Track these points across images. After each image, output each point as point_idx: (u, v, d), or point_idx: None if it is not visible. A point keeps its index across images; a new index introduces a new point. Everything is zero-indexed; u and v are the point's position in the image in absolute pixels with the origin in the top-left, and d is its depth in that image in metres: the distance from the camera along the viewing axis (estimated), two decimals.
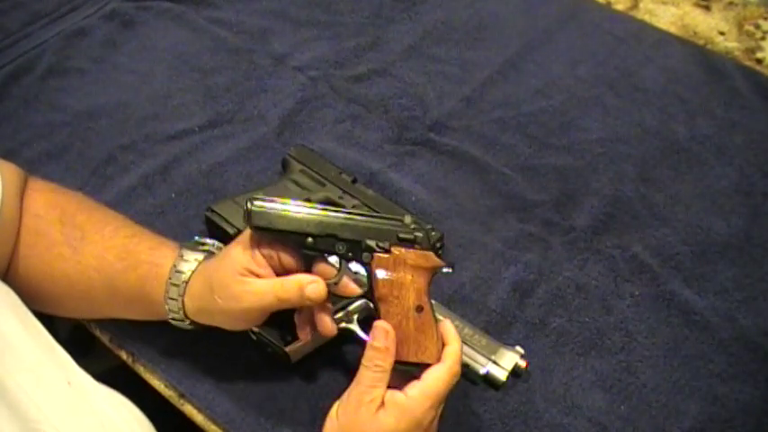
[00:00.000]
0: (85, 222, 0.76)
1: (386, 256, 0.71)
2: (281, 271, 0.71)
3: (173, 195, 0.96)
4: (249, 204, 0.69)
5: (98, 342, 0.84)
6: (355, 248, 0.71)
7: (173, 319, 0.74)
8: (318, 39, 1.19)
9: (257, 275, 0.69)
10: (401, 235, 0.71)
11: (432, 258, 0.71)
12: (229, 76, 1.12)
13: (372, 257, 0.71)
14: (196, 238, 0.80)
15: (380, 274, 0.70)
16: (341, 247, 0.71)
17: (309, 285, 0.69)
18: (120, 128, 1.04)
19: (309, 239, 0.70)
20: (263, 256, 0.70)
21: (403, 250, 0.71)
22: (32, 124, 1.04)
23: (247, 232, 0.71)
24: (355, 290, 0.73)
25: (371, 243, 0.71)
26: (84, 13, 1.21)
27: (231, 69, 1.13)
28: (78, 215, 0.77)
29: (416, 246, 0.71)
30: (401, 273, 0.70)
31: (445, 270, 0.72)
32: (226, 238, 0.81)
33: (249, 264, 0.69)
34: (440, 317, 0.72)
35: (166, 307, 0.73)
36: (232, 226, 0.86)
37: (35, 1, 1.22)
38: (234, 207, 0.87)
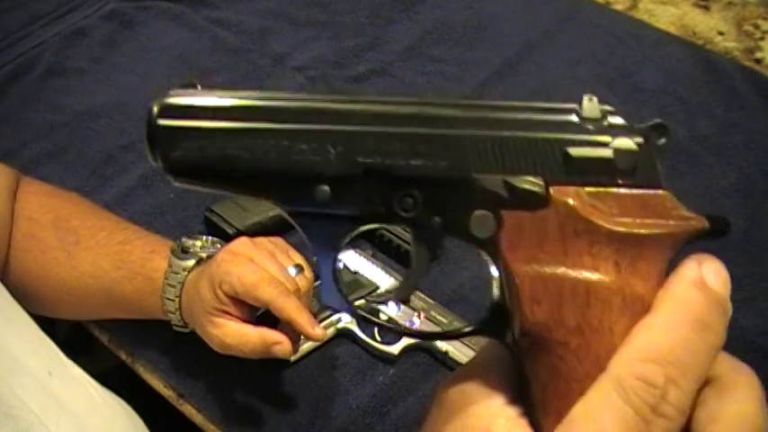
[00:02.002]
0: (80, 227, 0.76)
1: (539, 214, 0.33)
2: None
3: (172, 195, 0.96)
4: (156, 104, 0.36)
5: (97, 342, 0.84)
6: (449, 202, 0.35)
7: (175, 325, 0.74)
8: (317, 39, 1.19)
9: (228, 313, 0.68)
10: (576, 152, 0.34)
11: (676, 209, 0.35)
12: (229, 76, 1.12)
13: (501, 222, 0.34)
14: (183, 239, 0.76)
15: (524, 269, 0.33)
16: (404, 205, 0.35)
17: (275, 347, 0.68)
18: (120, 128, 1.04)
19: (323, 189, 0.35)
20: (225, 293, 0.68)
21: (588, 191, 0.34)
22: (32, 124, 1.04)
23: (218, 258, 0.68)
24: (318, 335, 0.68)
25: (509, 181, 0.34)
26: (83, 13, 1.21)
27: (230, 69, 1.13)
28: (73, 219, 0.77)
29: (623, 177, 0.34)
30: (586, 259, 0.33)
31: (715, 226, 0.35)
32: (225, 239, 0.81)
33: (215, 302, 0.68)
34: None
35: (168, 317, 0.73)
36: (231, 226, 0.86)
37: (34, 1, 1.21)
38: (233, 207, 0.87)
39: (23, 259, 0.75)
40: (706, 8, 1.28)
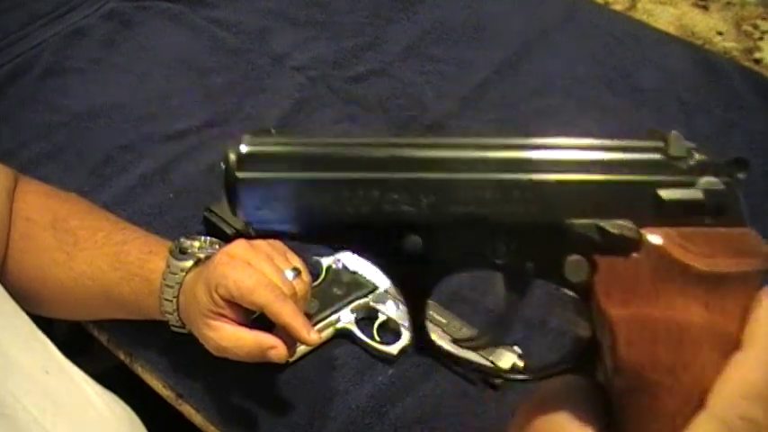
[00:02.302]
0: (78, 227, 0.76)
1: (632, 258, 0.34)
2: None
3: (171, 196, 0.96)
4: (232, 152, 0.34)
5: (96, 342, 0.84)
6: (541, 247, 0.35)
7: (173, 326, 0.74)
8: (316, 39, 1.19)
9: (224, 316, 0.68)
10: (667, 194, 0.34)
11: (760, 246, 0.35)
12: (228, 77, 1.12)
13: (595, 267, 0.34)
14: (181, 239, 0.76)
15: (619, 313, 0.33)
16: (497, 251, 0.35)
17: (270, 351, 0.68)
18: (119, 128, 1.04)
19: (414, 239, 0.34)
20: (221, 296, 0.68)
21: (678, 232, 0.34)
22: (31, 124, 1.04)
23: (215, 260, 0.68)
24: (312, 340, 0.68)
25: (602, 226, 0.34)
26: (82, 13, 1.20)
27: (229, 69, 1.13)
28: (71, 219, 0.77)
29: (711, 216, 0.35)
30: (679, 300, 0.33)
31: None
32: (224, 239, 0.81)
33: (211, 305, 0.68)
34: None
35: (165, 317, 0.73)
36: (230, 226, 0.86)
37: (34, 1, 1.21)
38: None
39: (21, 259, 0.75)
40: (705, 8, 1.28)
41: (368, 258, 0.35)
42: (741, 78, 1.14)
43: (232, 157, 0.34)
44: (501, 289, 0.36)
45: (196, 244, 0.75)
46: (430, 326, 0.76)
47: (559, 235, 0.34)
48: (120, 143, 1.02)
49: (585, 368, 0.36)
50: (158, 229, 0.83)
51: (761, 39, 1.22)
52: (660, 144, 0.36)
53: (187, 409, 0.78)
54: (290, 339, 0.69)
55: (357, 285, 0.83)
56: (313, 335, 0.68)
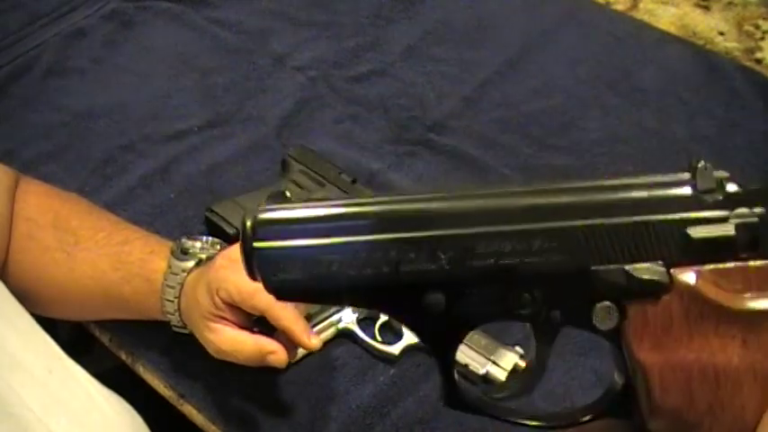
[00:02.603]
0: (79, 227, 0.76)
1: (663, 301, 0.33)
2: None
3: (172, 196, 0.96)
4: (249, 221, 0.35)
5: (97, 342, 0.84)
6: (568, 295, 0.34)
7: (175, 326, 0.74)
8: (318, 39, 1.19)
9: (225, 319, 0.68)
10: (696, 233, 0.33)
11: None
12: (229, 77, 1.12)
13: (625, 313, 0.34)
14: (183, 240, 0.76)
15: (651, 358, 0.33)
16: (522, 302, 0.34)
17: (270, 356, 0.68)
18: (120, 128, 1.04)
19: (436, 297, 0.34)
20: (222, 300, 0.67)
21: (710, 270, 0.33)
22: (31, 124, 1.04)
23: (216, 263, 0.68)
24: (313, 345, 0.67)
25: (630, 272, 0.33)
26: (83, 13, 1.20)
27: (230, 69, 1.13)
28: (72, 219, 0.76)
29: (745, 251, 0.33)
30: (714, 340, 0.32)
31: None
32: (225, 239, 0.81)
33: (211, 308, 0.68)
34: None
35: (167, 318, 0.73)
36: (232, 226, 0.86)
37: (34, 1, 1.21)
38: (234, 207, 0.87)
39: (22, 260, 0.75)
40: (706, 8, 1.27)
41: (392, 317, 0.36)
42: (742, 78, 1.14)
43: (249, 224, 0.35)
44: (531, 337, 0.35)
45: (198, 244, 0.75)
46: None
47: (586, 282, 0.33)
48: (121, 143, 1.02)
49: (621, 412, 0.35)
50: (159, 228, 0.83)
51: (762, 39, 1.22)
52: (687, 177, 0.36)
53: (188, 410, 0.78)
54: (291, 343, 0.69)
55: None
56: (314, 340, 0.68)
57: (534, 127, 1.07)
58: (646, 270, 0.33)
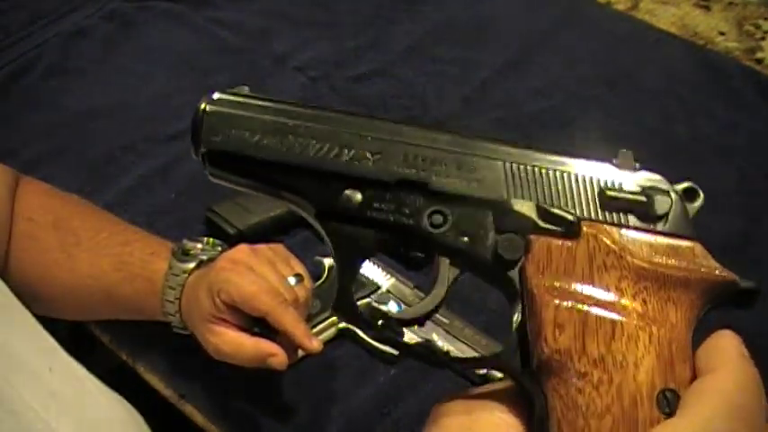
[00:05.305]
0: (80, 228, 0.76)
1: (568, 243, 0.34)
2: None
3: (172, 196, 0.96)
4: (203, 103, 0.38)
5: (98, 342, 0.84)
6: (484, 222, 0.35)
7: (175, 327, 0.74)
8: (318, 39, 1.19)
9: (226, 321, 0.68)
10: (612, 192, 0.35)
11: (708, 260, 0.35)
12: (229, 77, 1.12)
13: (529, 246, 0.34)
14: (184, 241, 0.76)
15: (549, 294, 0.33)
16: (434, 221, 0.35)
17: (270, 359, 0.68)
18: (120, 128, 1.04)
19: (355, 193, 0.36)
20: (223, 302, 0.67)
21: (620, 230, 0.34)
22: (32, 124, 1.04)
23: (217, 265, 0.68)
24: (314, 348, 0.67)
25: (542, 206, 0.35)
26: (84, 13, 1.21)
27: (231, 69, 1.13)
28: (73, 220, 0.76)
29: (655, 223, 0.35)
30: (615, 292, 0.33)
31: (744, 286, 0.36)
32: (226, 239, 0.81)
33: (212, 310, 0.68)
34: None
35: (167, 319, 0.73)
36: (232, 226, 0.86)
37: (35, 1, 1.21)
38: (234, 207, 0.87)
39: (23, 260, 0.75)
40: (707, 8, 1.27)
41: (305, 208, 0.36)
42: (743, 78, 1.14)
43: (204, 99, 0.38)
44: (438, 260, 0.36)
45: (198, 246, 0.75)
46: (432, 325, 0.75)
47: (498, 212, 0.35)
48: (122, 143, 1.02)
49: (514, 361, 0.34)
50: (159, 229, 0.83)
51: (762, 39, 1.22)
52: (611, 159, 0.36)
53: (189, 410, 0.78)
54: (292, 346, 0.69)
55: (359, 285, 0.83)
56: (315, 343, 0.68)
57: (534, 127, 1.07)
58: (557, 208, 0.34)
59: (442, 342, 0.79)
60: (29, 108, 1.07)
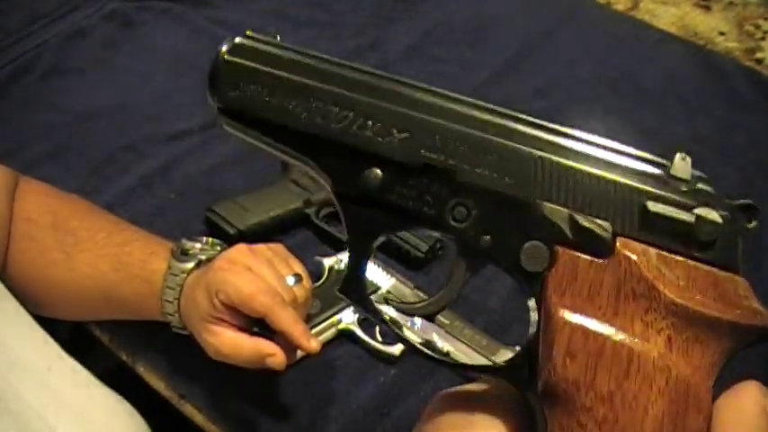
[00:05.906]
0: (79, 228, 0.76)
1: (598, 262, 0.31)
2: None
3: (172, 196, 0.96)
4: (224, 47, 0.37)
5: (97, 342, 0.84)
6: (509, 223, 0.32)
7: (174, 327, 0.74)
8: (318, 38, 1.19)
9: (224, 321, 0.68)
10: (655, 207, 0.31)
11: (748, 300, 0.32)
12: None
13: (554, 259, 0.31)
14: (183, 241, 0.76)
15: (567, 316, 0.30)
16: (457, 214, 0.33)
17: (269, 359, 0.68)
18: (120, 128, 1.04)
19: (376, 172, 0.33)
20: (221, 302, 0.67)
21: (658, 252, 0.31)
22: (32, 124, 1.04)
23: (216, 265, 0.68)
24: (312, 348, 0.67)
25: (573, 215, 0.31)
26: (83, 13, 1.21)
27: None
28: (72, 220, 0.76)
29: (699, 249, 0.31)
30: (638, 325, 0.30)
31: None
32: (226, 239, 0.81)
33: (211, 310, 0.68)
34: None
35: (166, 319, 0.73)
36: (232, 226, 0.86)
37: (35, 1, 1.21)
38: (234, 207, 0.87)
39: (21, 260, 0.75)
40: (707, 8, 1.28)
41: (325, 181, 0.34)
42: (743, 78, 1.14)
43: (226, 44, 0.36)
44: (454, 258, 0.33)
45: (198, 245, 0.75)
46: (432, 325, 0.75)
47: (526, 214, 0.31)
48: (122, 143, 1.02)
49: (520, 376, 0.32)
50: (159, 229, 0.83)
51: (763, 39, 1.22)
52: (665, 162, 0.33)
53: (189, 410, 0.78)
54: (290, 346, 0.69)
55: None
56: (313, 343, 0.68)
57: None
58: (591, 222, 0.30)
59: (442, 342, 0.79)
60: (28, 108, 1.06)
